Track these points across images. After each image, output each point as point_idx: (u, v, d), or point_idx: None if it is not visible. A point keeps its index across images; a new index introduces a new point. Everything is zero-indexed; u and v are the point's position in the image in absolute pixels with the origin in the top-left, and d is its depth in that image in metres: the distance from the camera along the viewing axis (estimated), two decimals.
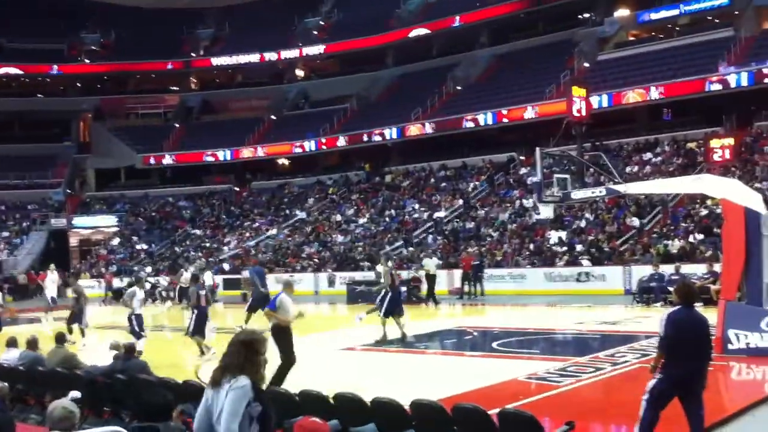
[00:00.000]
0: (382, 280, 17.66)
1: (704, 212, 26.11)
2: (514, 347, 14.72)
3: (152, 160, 50.05)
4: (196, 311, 14.96)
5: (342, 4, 53.78)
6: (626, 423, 7.86)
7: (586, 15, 43.10)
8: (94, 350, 15.77)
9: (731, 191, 12.72)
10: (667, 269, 21.12)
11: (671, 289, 14.25)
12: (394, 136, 42.40)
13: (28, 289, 39.22)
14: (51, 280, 25.77)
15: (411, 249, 31.79)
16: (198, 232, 44.52)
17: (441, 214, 34.82)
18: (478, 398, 7.93)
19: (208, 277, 26.01)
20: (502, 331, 17.00)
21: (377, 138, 42.88)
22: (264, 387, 4.77)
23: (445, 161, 40.69)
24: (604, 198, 25.43)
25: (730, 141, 29.15)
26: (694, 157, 30.60)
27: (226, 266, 35.83)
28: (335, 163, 48.63)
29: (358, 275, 30.45)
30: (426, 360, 14.09)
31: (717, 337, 11.28)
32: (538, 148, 16.80)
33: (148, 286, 27.77)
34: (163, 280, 33.95)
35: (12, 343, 10.77)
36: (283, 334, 10.81)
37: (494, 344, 15.03)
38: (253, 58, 52.66)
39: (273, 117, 51.54)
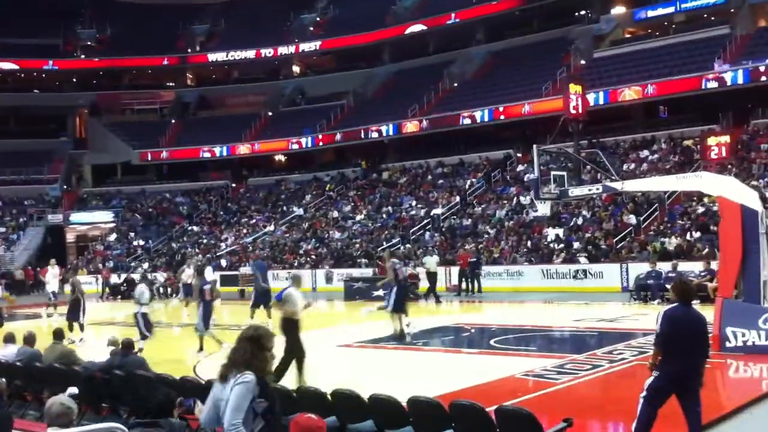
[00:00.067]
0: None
1: (701, 210, 26.16)
2: (512, 344, 14.74)
3: (149, 156, 50.00)
4: (202, 305, 14.97)
5: (338, 1, 53.69)
6: (624, 420, 7.87)
7: (582, 12, 43.13)
8: (91, 346, 15.77)
9: (728, 189, 12.73)
10: (664, 267, 21.13)
11: (668, 286, 14.26)
12: (391, 132, 42.40)
13: (25, 285, 39.18)
14: (52, 275, 25.71)
15: (408, 246, 31.79)
16: (195, 228, 44.50)
17: (438, 211, 34.84)
18: (475, 395, 7.92)
19: (208, 273, 25.97)
20: (500, 328, 16.99)
21: (374, 134, 42.86)
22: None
23: (441, 158, 40.69)
24: (601, 195, 25.40)
25: (727, 138, 29.19)
26: (691, 154, 30.64)
27: (223, 262, 35.81)
28: (332, 159, 48.66)
29: (356, 272, 30.49)
30: (423, 357, 14.07)
31: (714, 334, 11.29)
32: (535, 145, 16.78)
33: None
34: (161, 277, 33.93)
35: (9, 339, 10.75)
36: (291, 328, 10.80)
37: (491, 341, 15.03)
38: (250, 54, 52.62)
39: (269, 113, 51.51)
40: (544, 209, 19.07)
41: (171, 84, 56.24)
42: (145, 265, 38.27)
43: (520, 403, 8.49)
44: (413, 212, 36.05)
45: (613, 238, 26.75)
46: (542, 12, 43.58)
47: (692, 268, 20.84)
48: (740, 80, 31.04)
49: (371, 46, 49.27)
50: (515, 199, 32.99)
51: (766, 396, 9.32)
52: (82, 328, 18.22)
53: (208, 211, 46.50)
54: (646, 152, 32.54)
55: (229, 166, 50.52)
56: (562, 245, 27.52)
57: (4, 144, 48.50)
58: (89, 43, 54.80)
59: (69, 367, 9.32)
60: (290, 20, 53.67)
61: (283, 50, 52.17)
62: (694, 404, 6.68)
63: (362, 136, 43.41)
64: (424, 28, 47.24)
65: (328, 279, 31.74)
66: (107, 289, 34.47)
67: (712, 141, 29.45)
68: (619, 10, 41.37)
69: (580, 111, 17.56)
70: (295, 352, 10.73)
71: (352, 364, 13.17)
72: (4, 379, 7.56)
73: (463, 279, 26.22)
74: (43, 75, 54.36)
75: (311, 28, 53.56)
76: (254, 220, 42.68)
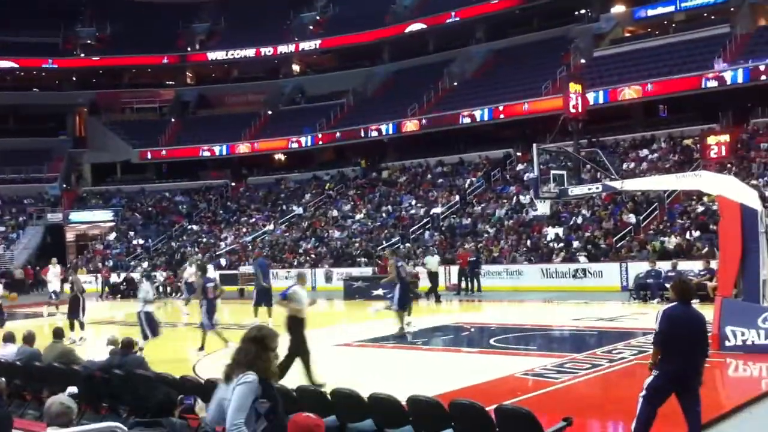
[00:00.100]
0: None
1: (701, 209, 26.15)
2: (511, 343, 14.74)
3: (149, 155, 49.99)
4: (205, 303, 14.98)
5: None
6: (623, 419, 7.87)
7: (582, 11, 43.13)
8: (91, 345, 15.77)
9: (727, 188, 12.73)
10: (663, 266, 21.13)
11: (668, 285, 14.27)
12: (391, 131, 42.39)
13: (25, 284, 39.14)
14: (54, 274, 25.67)
15: (408, 245, 31.80)
16: (195, 227, 44.50)
17: (438, 210, 34.83)
18: (475, 394, 7.92)
19: (210, 271, 25.96)
20: (499, 328, 16.98)
21: (373, 133, 42.86)
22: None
23: (441, 157, 40.67)
24: (601, 194, 25.43)
25: (726, 138, 29.23)
26: (691, 153, 30.64)
27: (222, 261, 35.81)
28: (331, 158, 48.67)
29: (355, 271, 30.49)
30: (423, 356, 14.08)
31: (714, 334, 11.30)
32: (534, 144, 16.78)
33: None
34: (160, 276, 33.91)
35: (9, 338, 10.75)
36: (296, 327, 10.79)
37: (491, 340, 15.03)
38: (249, 52, 52.61)
39: (269, 112, 51.51)
40: (543, 208, 19.03)
41: (171, 83, 56.22)
42: (145, 264, 38.28)
43: (520, 402, 8.50)
44: (413, 211, 36.04)
45: (612, 237, 26.75)
46: (542, 11, 43.56)
47: (692, 267, 20.85)
48: (740, 79, 31.04)
49: (371, 44, 49.27)
50: (515, 198, 32.98)
51: (765, 395, 9.32)
52: (82, 326, 18.21)
53: (208, 210, 46.51)
54: (645, 151, 32.53)
55: (229, 165, 50.54)
56: (561, 244, 27.52)
57: (3, 143, 48.56)
58: (89, 41, 54.81)
59: (68, 367, 9.32)
60: (290, 19, 53.67)
61: (282, 49, 52.17)
62: (694, 403, 6.68)
63: (362, 135, 43.40)
64: (424, 26, 47.23)
65: (328, 278, 31.74)
66: (107, 288, 34.49)
67: (711, 140, 29.48)
68: (619, 8, 41.37)
69: (579, 110, 17.55)
70: (299, 350, 10.70)
71: (352, 364, 13.16)
72: (3, 379, 7.55)
73: (463, 278, 26.24)
74: (43, 73, 54.36)
75: (311, 27, 53.56)
76: (254, 219, 42.68)
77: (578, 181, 16.51)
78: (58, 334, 10.89)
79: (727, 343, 11.62)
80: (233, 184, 49.31)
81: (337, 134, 45.10)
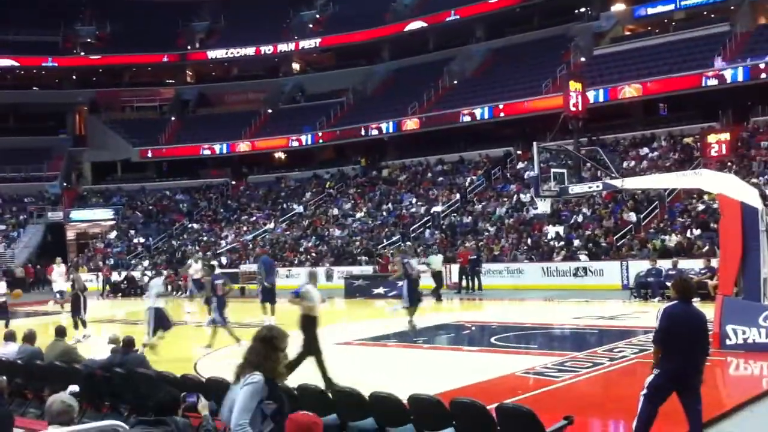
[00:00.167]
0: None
1: (701, 207, 26.14)
2: (512, 342, 14.75)
3: (149, 153, 49.98)
4: (215, 300, 14.99)
5: None
6: (624, 418, 7.87)
7: (582, 9, 43.12)
8: (92, 343, 15.77)
9: (728, 186, 12.72)
10: (664, 264, 21.16)
11: (669, 284, 14.27)
12: (391, 130, 42.39)
13: (26, 282, 39.11)
14: (58, 274, 25.72)
15: (408, 243, 31.78)
16: (195, 225, 44.50)
17: (438, 208, 34.83)
18: (476, 393, 7.93)
19: (217, 268, 25.99)
20: (500, 326, 16.98)
21: (374, 132, 42.85)
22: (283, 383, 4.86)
23: (441, 155, 40.65)
24: (601, 193, 25.47)
25: (727, 136, 29.24)
26: (691, 152, 30.63)
27: (223, 260, 35.82)
28: (331, 157, 48.66)
29: (356, 269, 30.48)
30: (424, 354, 14.08)
31: (714, 332, 11.28)
32: (535, 143, 16.76)
33: (146, 279, 27.73)
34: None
35: (10, 337, 10.75)
36: (309, 325, 10.75)
37: (492, 339, 15.04)
38: (249, 51, 52.60)
39: (269, 110, 51.50)
40: (544, 207, 19.00)
41: (171, 81, 56.21)
42: (146, 263, 38.28)
43: (521, 400, 8.51)
44: (413, 210, 36.04)
45: (613, 235, 26.74)
46: (542, 9, 43.53)
47: (692, 265, 20.85)
48: (740, 77, 31.03)
49: (371, 43, 49.26)
50: (515, 196, 32.98)
51: (766, 394, 9.32)
52: (84, 324, 18.24)
53: (208, 209, 46.50)
54: (646, 150, 32.52)
55: (229, 163, 50.54)
56: (562, 243, 27.52)
57: (3, 141, 48.53)
58: (89, 40, 54.73)
59: (70, 365, 9.32)
60: (290, 17, 53.65)
61: (282, 47, 52.16)
62: (695, 402, 6.67)
63: (362, 133, 43.39)
64: (424, 25, 47.22)
65: (329, 277, 31.69)
66: (107, 287, 34.48)
67: (712, 138, 29.49)
68: (619, 7, 41.35)
69: (580, 108, 17.55)
70: (312, 349, 10.65)
71: (353, 362, 13.17)
72: (4, 377, 7.54)
73: (464, 277, 26.23)
74: (43, 72, 54.35)
75: (311, 26, 53.55)
76: (254, 218, 42.69)
77: (579, 179, 16.49)
78: (60, 332, 10.88)
79: (728, 342, 11.62)
80: (233, 182, 49.31)
81: (338, 133, 45.09)
